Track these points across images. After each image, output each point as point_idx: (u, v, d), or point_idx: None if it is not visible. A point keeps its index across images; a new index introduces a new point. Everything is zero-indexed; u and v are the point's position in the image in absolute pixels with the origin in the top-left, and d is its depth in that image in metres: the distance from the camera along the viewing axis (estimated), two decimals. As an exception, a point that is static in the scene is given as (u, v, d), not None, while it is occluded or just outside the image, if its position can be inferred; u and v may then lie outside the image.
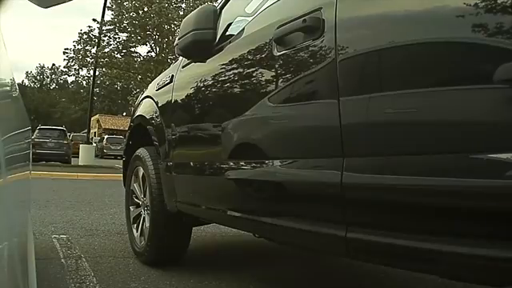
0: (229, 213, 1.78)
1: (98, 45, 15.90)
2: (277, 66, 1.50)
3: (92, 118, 21.30)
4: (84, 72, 21.04)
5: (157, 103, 2.46)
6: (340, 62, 1.18)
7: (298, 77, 1.41)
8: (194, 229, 2.50)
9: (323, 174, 1.26)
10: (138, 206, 2.64)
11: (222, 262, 2.65)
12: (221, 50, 1.88)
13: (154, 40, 17.31)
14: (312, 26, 1.28)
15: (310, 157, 1.33)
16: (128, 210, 2.75)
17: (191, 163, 2.06)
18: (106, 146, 25.38)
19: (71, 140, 18.38)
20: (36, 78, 56.37)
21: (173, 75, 2.36)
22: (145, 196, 2.52)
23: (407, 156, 1.04)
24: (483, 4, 0.87)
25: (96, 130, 38.49)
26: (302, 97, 1.39)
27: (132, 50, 17.63)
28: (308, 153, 1.35)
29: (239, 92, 1.73)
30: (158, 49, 17.88)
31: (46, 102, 49.07)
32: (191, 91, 2.08)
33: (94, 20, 16.42)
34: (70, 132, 24.45)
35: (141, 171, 2.56)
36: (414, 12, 1.07)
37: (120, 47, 16.94)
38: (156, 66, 16.95)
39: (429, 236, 0.99)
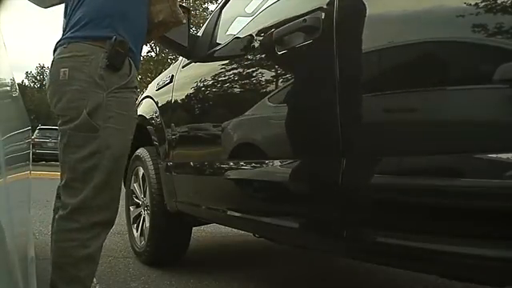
0: (229, 213, 1.78)
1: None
2: (277, 65, 1.50)
3: (92, 118, 21.22)
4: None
5: (157, 103, 2.46)
6: (340, 62, 1.18)
7: (297, 77, 1.41)
8: (194, 229, 2.50)
9: (323, 173, 1.26)
10: (138, 206, 2.64)
11: (222, 262, 2.65)
12: (221, 49, 1.89)
13: (154, 40, 17.27)
14: (312, 25, 1.28)
15: (310, 157, 1.33)
16: (128, 210, 2.76)
17: (191, 163, 2.06)
18: (106, 146, 25.33)
19: (71, 140, 18.34)
20: (36, 78, 56.38)
21: (173, 75, 2.36)
22: (145, 196, 2.53)
23: (407, 156, 1.04)
24: (483, 4, 0.87)
25: (96, 130, 38.35)
26: (302, 97, 1.39)
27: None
28: (308, 153, 1.35)
29: (239, 92, 1.73)
30: (157, 49, 17.89)
31: (46, 102, 48.97)
32: (191, 91, 2.08)
33: (94, 20, 16.40)
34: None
35: (141, 171, 2.56)
36: (414, 12, 1.07)
37: (120, 47, 16.92)
38: (156, 66, 16.94)
39: (429, 236, 0.99)
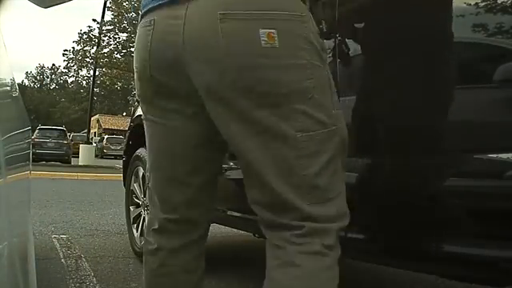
0: (229, 213, 1.78)
1: (98, 45, 15.89)
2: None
3: (92, 118, 21.32)
4: (84, 72, 21.04)
5: (157, 103, 2.46)
6: (340, 62, 1.18)
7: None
8: (194, 229, 2.49)
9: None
10: (138, 205, 2.64)
11: (222, 261, 2.64)
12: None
13: (155, 39, 17.28)
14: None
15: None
16: (128, 210, 2.75)
17: (191, 163, 2.06)
18: (106, 146, 25.38)
19: (71, 140, 18.40)
20: (36, 78, 56.41)
21: (173, 75, 2.36)
22: (145, 196, 2.52)
23: (406, 156, 1.04)
24: (483, 4, 0.87)
25: (96, 130, 38.46)
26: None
27: (132, 49, 17.60)
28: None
29: (239, 92, 1.73)
30: (158, 49, 17.83)
31: (46, 102, 49.16)
32: (191, 91, 2.07)
33: (94, 20, 16.41)
34: (70, 132, 24.43)
35: (141, 171, 2.56)
36: (413, 11, 1.07)
37: (120, 47, 16.92)
38: (157, 66, 16.88)
39: (428, 236, 0.99)
